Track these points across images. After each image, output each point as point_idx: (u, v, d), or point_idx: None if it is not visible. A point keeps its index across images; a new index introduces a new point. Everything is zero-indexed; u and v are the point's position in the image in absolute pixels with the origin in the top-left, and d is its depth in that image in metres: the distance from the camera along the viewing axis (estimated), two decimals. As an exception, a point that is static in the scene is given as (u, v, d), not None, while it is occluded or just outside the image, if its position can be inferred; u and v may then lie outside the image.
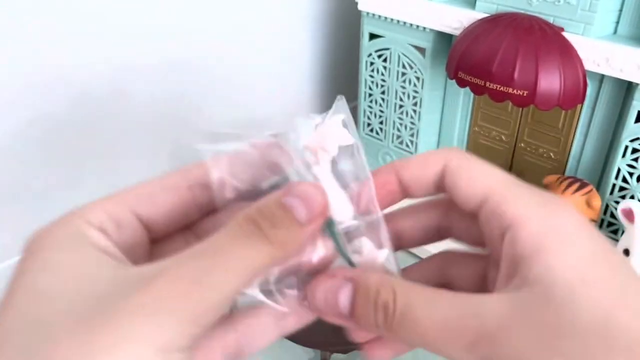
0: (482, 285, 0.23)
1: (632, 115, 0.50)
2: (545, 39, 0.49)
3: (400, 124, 0.69)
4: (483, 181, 0.21)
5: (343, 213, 0.22)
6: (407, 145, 0.70)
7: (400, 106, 0.68)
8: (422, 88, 0.64)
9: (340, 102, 0.22)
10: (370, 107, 0.72)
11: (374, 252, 0.22)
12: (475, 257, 0.23)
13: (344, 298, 0.20)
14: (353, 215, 0.22)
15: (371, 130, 0.74)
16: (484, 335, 0.18)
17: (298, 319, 0.23)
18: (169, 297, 0.17)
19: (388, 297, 0.19)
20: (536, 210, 0.20)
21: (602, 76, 0.52)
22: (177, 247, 0.21)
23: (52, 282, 0.18)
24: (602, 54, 0.49)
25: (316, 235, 0.21)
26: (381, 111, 0.71)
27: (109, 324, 0.17)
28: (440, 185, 0.22)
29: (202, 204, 0.22)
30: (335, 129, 0.22)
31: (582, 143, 0.56)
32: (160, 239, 0.22)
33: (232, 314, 0.22)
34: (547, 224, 0.19)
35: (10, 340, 0.17)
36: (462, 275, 0.23)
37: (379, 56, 0.68)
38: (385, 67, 0.68)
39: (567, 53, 0.49)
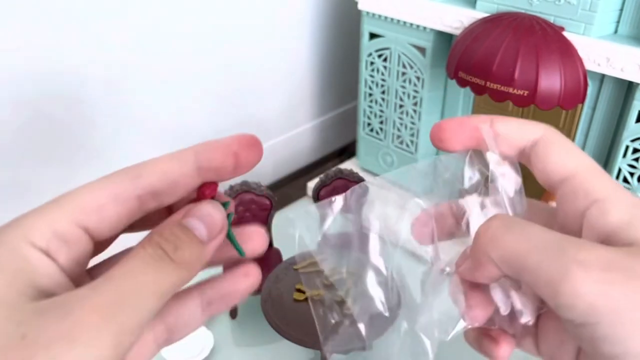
0: None
1: (633, 115, 0.50)
2: (545, 38, 0.49)
3: (401, 124, 0.69)
4: (575, 158, 0.22)
5: None
6: (407, 145, 0.70)
7: (401, 106, 0.68)
8: (422, 88, 0.64)
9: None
10: (370, 106, 0.72)
11: None
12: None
13: None
14: None
15: (371, 130, 0.74)
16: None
17: (224, 305, 0.24)
18: (88, 326, 0.17)
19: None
20: (622, 192, 0.21)
21: (603, 76, 0.52)
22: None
23: None
24: (602, 53, 0.49)
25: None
26: (381, 111, 0.71)
27: (29, 357, 0.17)
28: (526, 152, 0.23)
29: (148, 211, 0.22)
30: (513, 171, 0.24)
31: (583, 143, 0.56)
32: (104, 242, 0.22)
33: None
34: (635, 202, 0.20)
35: None
36: None
37: (379, 56, 0.67)
38: (385, 67, 0.67)
39: (567, 53, 0.49)
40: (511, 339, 0.24)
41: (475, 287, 0.23)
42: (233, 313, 0.55)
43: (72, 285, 0.20)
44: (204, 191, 0.22)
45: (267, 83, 0.77)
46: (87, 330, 0.17)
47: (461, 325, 0.23)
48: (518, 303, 0.23)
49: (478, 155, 0.24)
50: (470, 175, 0.24)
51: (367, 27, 0.67)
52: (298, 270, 0.49)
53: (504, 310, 0.23)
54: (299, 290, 0.46)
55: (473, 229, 0.24)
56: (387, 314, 0.25)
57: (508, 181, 0.23)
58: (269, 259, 0.55)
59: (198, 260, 0.21)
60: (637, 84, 0.48)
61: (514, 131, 0.23)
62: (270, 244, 0.57)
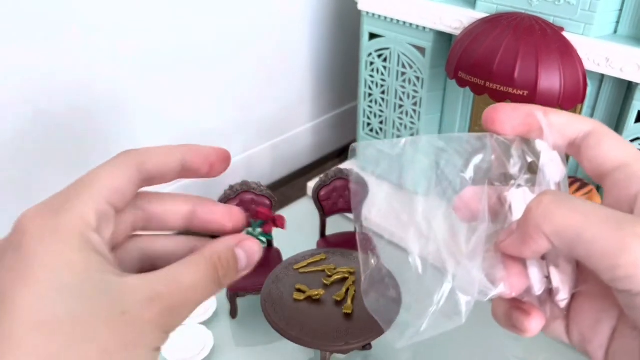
0: None
1: (632, 115, 0.50)
2: (545, 38, 0.49)
3: (400, 124, 0.69)
4: (627, 149, 0.23)
5: None
6: (407, 145, 0.70)
7: (400, 106, 0.68)
8: (421, 88, 0.64)
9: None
10: (370, 106, 0.72)
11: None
12: None
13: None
14: None
15: (371, 130, 0.74)
16: None
17: None
18: (166, 319, 0.23)
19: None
20: None
21: (602, 76, 0.52)
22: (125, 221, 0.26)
23: (69, 283, 0.21)
24: (602, 53, 0.49)
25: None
26: (381, 111, 0.71)
27: (131, 334, 0.21)
28: (577, 144, 0.24)
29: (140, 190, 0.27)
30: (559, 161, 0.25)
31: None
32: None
33: None
34: None
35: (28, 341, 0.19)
36: None
37: (379, 56, 0.67)
38: (385, 67, 0.68)
39: (567, 53, 0.49)
40: (542, 314, 0.24)
41: (513, 260, 0.24)
42: (233, 313, 0.55)
43: (114, 261, 0.24)
44: (273, 220, 0.30)
45: (268, 83, 0.77)
46: (165, 321, 0.22)
47: (500, 289, 0.23)
48: (557, 280, 0.23)
49: (525, 142, 0.25)
50: (516, 160, 0.25)
51: (367, 28, 0.67)
52: (298, 271, 0.49)
53: (537, 290, 0.23)
54: (299, 290, 0.46)
55: (516, 211, 0.24)
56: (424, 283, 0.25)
57: (555, 168, 0.24)
58: (269, 259, 0.55)
59: (229, 284, 0.26)
60: (637, 84, 0.48)
61: (567, 123, 0.24)
62: (270, 244, 0.57)
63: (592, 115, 0.54)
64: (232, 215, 0.28)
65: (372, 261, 0.25)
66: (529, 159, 0.25)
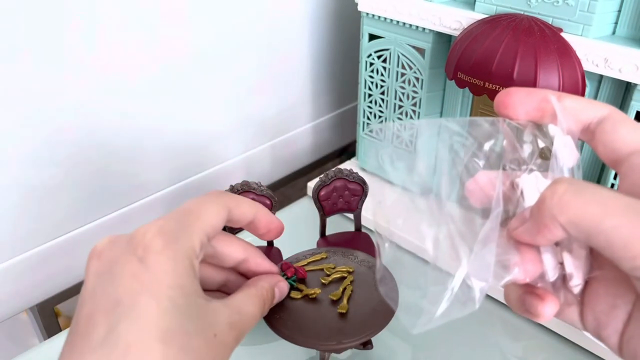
0: None
1: (631, 116, 0.50)
2: (544, 39, 0.49)
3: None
4: None
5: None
6: (407, 146, 0.70)
7: (400, 106, 0.69)
8: (421, 88, 0.65)
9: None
10: (369, 107, 0.72)
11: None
12: None
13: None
14: None
15: (370, 131, 0.74)
16: None
17: None
18: (234, 345, 0.30)
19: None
20: None
21: (601, 76, 0.52)
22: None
23: (181, 304, 0.26)
24: (600, 54, 0.49)
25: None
26: (381, 111, 0.71)
27: (222, 355, 0.29)
28: (591, 128, 0.24)
29: None
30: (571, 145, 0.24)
31: (581, 143, 0.56)
32: None
33: None
34: None
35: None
36: None
37: (379, 57, 0.68)
38: (384, 68, 0.68)
39: (566, 54, 0.49)
40: (556, 299, 0.24)
41: (527, 246, 0.23)
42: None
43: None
44: (297, 272, 0.44)
45: (268, 84, 0.77)
46: (236, 343, 0.30)
47: (514, 274, 0.23)
48: (570, 266, 0.23)
49: (537, 127, 0.24)
50: (528, 145, 0.24)
51: (366, 29, 0.68)
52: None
53: (551, 276, 0.23)
54: (297, 289, 0.46)
55: (528, 197, 0.24)
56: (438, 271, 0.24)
57: (568, 153, 0.24)
58: (269, 258, 0.55)
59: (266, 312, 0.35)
60: (635, 84, 0.49)
61: (581, 108, 0.24)
62: (271, 244, 0.57)
63: (590, 116, 0.54)
64: (272, 271, 0.37)
65: (387, 245, 0.25)
66: (541, 144, 0.24)
